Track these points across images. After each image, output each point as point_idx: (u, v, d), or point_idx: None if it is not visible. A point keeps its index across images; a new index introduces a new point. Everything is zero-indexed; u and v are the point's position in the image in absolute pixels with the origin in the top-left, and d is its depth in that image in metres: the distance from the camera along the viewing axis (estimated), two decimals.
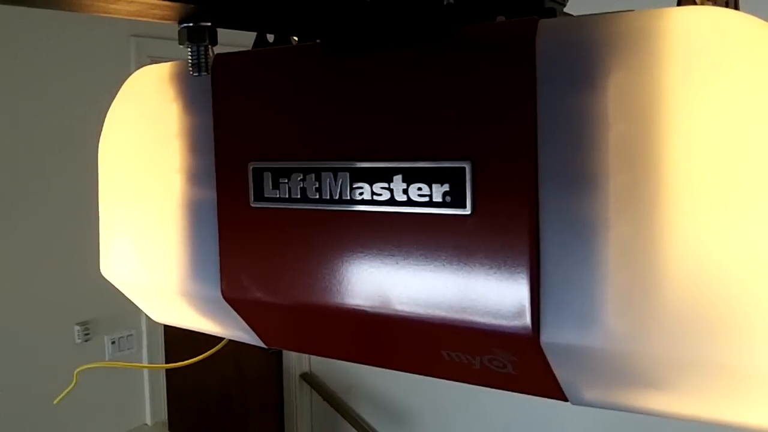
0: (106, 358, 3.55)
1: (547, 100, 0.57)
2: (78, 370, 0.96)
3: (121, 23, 3.53)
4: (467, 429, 4.14)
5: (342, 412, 4.72)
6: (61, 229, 3.35)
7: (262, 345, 0.82)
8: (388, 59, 0.64)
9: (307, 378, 4.95)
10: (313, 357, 4.94)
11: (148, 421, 3.88)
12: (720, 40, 0.52)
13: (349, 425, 4.67)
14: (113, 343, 3.67)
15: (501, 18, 0.66)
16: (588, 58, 0.55)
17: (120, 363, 3.78)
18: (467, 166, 0.59)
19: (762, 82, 0.50)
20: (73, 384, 0.98)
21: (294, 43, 0.81)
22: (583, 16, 0.59)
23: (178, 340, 3.95)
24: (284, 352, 4.95)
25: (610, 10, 0.57)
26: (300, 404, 5.03)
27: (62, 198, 3.35)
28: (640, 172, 0.53)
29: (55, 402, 1.17)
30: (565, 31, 0.57)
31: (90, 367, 0.95)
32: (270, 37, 0.81)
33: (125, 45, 3.53)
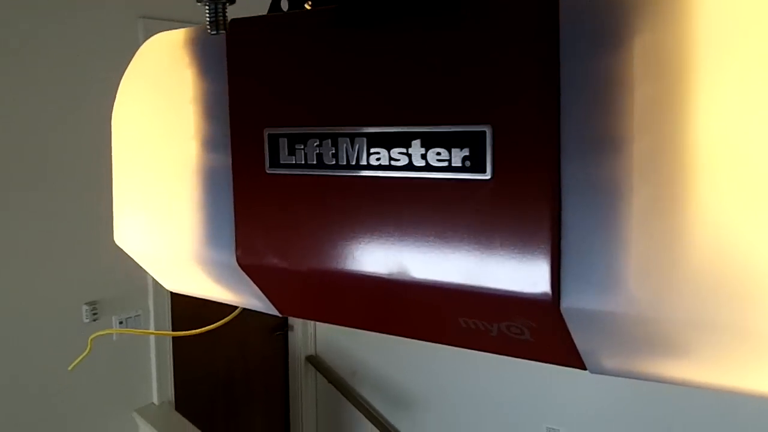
0: (114, 337, 3.55)
1: (570, 60, 0.56)
2: (92, 336, 0.96)
3: (129, 4, 3.52)
4: (470, 413, 4.15)
5: (347, 395, 4.73)
6: (71, 209, 3.35)
7: (276, 313, 0.81)
8: (406, 21, 0.63)
9: (313, 361, 4.95)
10: (318, 340, 4.95)
11: (155, 401, 3.89)
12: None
13: (353, 408, 4.68)
14: (121, 323, 3.67)
15: None
16: (613, 18, 0.54)
17: (134, 330, 3.79)
18: (488, 130, 0.59)
19: None
20: (87, 350, 0.97)
21: (308, 8, 0.80)
22: None
23: (185, 320, 3.96)
24: (290, 334, 4.95)
25: None
26: (305, 387, 5.03)
27: (71, 179, 3.34)
28: (665, 135, 0.53)
29: (69, 368, 1.17)
30: None
31: (103, 334, 0.95)
32: (284, 5, 0.80)
33: (133, 26, 3.52)
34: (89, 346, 0.97)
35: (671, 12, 0.53)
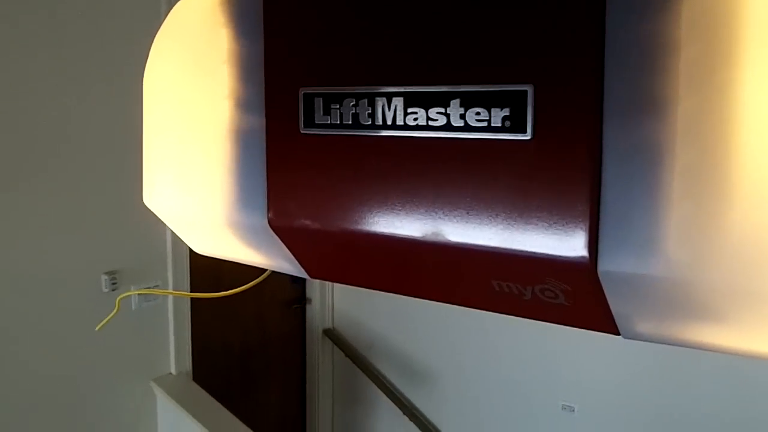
0: (132, 308, 3.57)
1: (615, 21, 0.55)
2: (120, 297, 0.96)
3: None
4: (486, 388, 4.15)
5: (363, 368, 4.74)
6: (91, 179, 3.36)
7: (306, 276, 0.81)
8: None
9: (330, 334, 4.97)
10: (336, 313, 4.96)
11: (173, 371, 3.92)
12: None
13: (369, 381, 4.70)
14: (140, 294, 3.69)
15: None
16: None
17: (158, 291, 3.81)
18: (529, 90, 0.58)
19: None
20: (116, 310, 0.98)
21: None
22: None
23: (204, 291, 3.98)
24: (307, 307, 4.96)
25: None
26: (322, 360, 5.05)
27: (92, 150, 3.35)
28: (710, 98, 0.52)
29: (97, 328, 1.18)
30: None
31: (130, 294, 0.95)
32: None
33: None
34: (117, 306, 0.97)
35: None
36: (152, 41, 0.84)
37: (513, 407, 4.08)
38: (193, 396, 3.82)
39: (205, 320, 4.20)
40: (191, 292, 3.96)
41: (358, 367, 4.78)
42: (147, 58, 0.85)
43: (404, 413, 4.47)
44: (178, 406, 3.64)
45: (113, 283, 3.53)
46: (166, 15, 0.83)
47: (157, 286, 3.77)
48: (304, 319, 5.04)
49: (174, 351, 3.93)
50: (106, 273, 3.51)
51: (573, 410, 3.81)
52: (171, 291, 3.87)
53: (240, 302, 4.45)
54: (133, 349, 3.70)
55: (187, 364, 4.00)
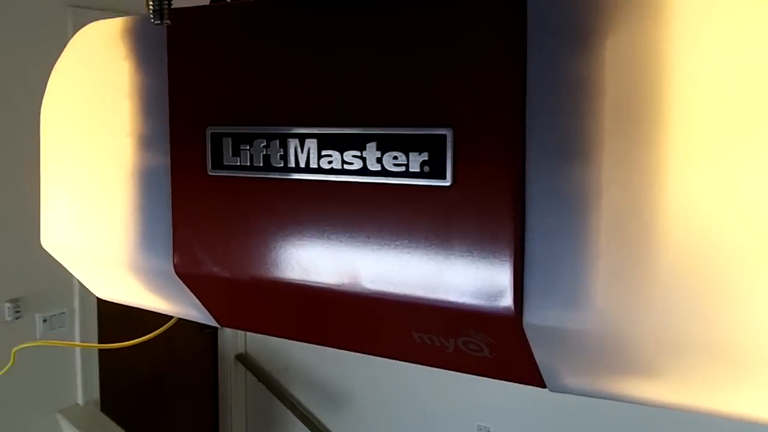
0: (37, 337, 3.43)
1: (537, 62, 0.53)
2: (15, 349, 0.90)
3: None
4: (403, 410, 4.14)
5: (277, 394, 4.67)
6: None
7: (216, 324, 0.77)
8: (361, 15, 0.59)
9: (242, 359, 4.88)
10: (249, 337, 4.88)
11: (80, 401, 3.78)
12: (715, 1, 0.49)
13: (283, 407, 4.63)
14: (45, 321, 3.55)
15: None
16: (583, 19, 0.52)
17: (61, 342, 3.67)
18: (448, 134, 0.55)
19: (762, 42, 0.47)
20: (10, 363, 0.91)
21: None
22: None
23: (111, 319, 3.86)
24: (219, 332, 4.87)
25: None
26: (234, 385, 4.96)
27: None
28: (635, 141, 0.50)
29: None
30: None
31: (27, 347, 0.89)
32: None
33: (62, 16, 3.40)
34: (12, 359, 0.91)
35: (643, 12, 0.50)
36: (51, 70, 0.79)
37: (429, 429, 4.07)
38: (101, 427, 3.70)
39: (118, 347, 4.08)
40: (98, 318, 3.83)
41: (271, 392, 4.71)
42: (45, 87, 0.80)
43: None
44: None
45: (17, 311, 3.40)
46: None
47: (63, 314, 3.64)
48: (216, 344, 4.95)
49: (81, 380, 3.80)
50: (9, 300, 3.37)
51: (488, 431, 3.82)
52: (72, 343, 3.74)
53: (150, 327, 4.35)
54: (37, 379, 3.56)
55: (95, 393, 3.87)
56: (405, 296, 0.58)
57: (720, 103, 0.48)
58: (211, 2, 0.74)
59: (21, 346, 0.90)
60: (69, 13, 3.41)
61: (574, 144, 0.52)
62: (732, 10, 0.48)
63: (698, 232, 0.48)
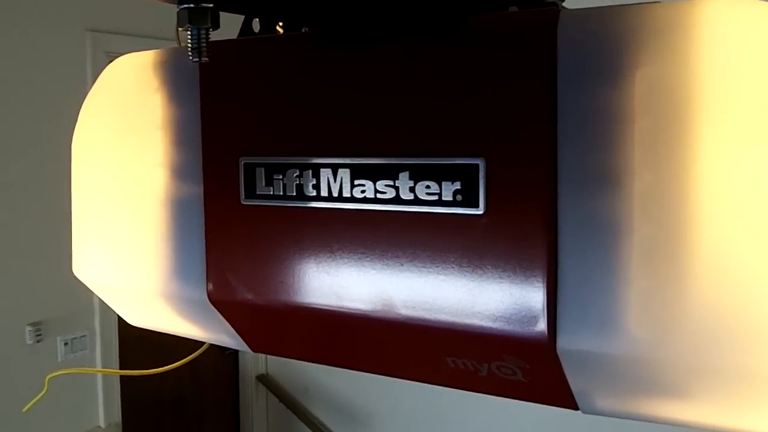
0: (59, 360, 3.45)
1: (567, 93, 0.54)
2: (50, 376, 0.91)
3: (76, 17, 3.44)
4: (425, 430, 4.12)
5: (298, 414, 4.67)
6: (14, 227, 3.26)
7: (248, 350, 0.78)
8: (394, 49, 0.60)
9: (264, 380, 4.89)
10: (270, 358, 4.88)
11: (102, 424, 3.80)
12: (751, 34, 0.50)
13: (305, 427, 4.63)
14: (66, 344, 3.57)
15: (513, 8, 0.63)
16: (613, 51, 0.52)
17: (93, 369, 3.69)
18: (481, 163, 0.56)
19: None
20: (44, 390, 0.93)
21: (280, 31, 0.77)
22: (605, 7, 0.56)
23: (132, 342, 3.88)
24: (240, 353, 4.88)
25: (625, 2, 0.55)
26: (256, 406, 4.97)
27: (14, 197, 3.25)
28: (666, 171, 0.51)
29: (24, 410, 1.12)
30: (588, 22, 0.54)
31: (60, 374, 0.90)
32: (255, 26, 0.77)
33: (81, 40, 3.44)
34: (46, 386, 0.92)
35: (673, 46, 0.51)
36: (80, 104, 0.80)
37: None
38: None
39: (135, 368, 4.10)
40: (119, 340, 3.85)
41: (293, 412, 4.70)
42: (76, 120, 0.81)
43: None
44: None
45: (38, 335, 3.42)
46: (93, 77, 0.79)
47: (84, 336, 3.66)
48: (237, 365, 4.96)
49: (102, 403, 3.82)
50: (30, 324, 3.39)
51: None
52: (107, 369, 3.76)
53: (170, 349, 4.36)
54: (59, 402, 3.58)
55: (117, 415, 3.89)
56: (439, 321, 0.59)
57: (750, 134, 0.49)
58: (239, 35, 0.76)
59: (55, 374, 0.91)
60: (88, 37, 3.44)
61: (604, 172, 0.53)
62: (764, 43, 0.49)
63: (729, 260, 0.49)
